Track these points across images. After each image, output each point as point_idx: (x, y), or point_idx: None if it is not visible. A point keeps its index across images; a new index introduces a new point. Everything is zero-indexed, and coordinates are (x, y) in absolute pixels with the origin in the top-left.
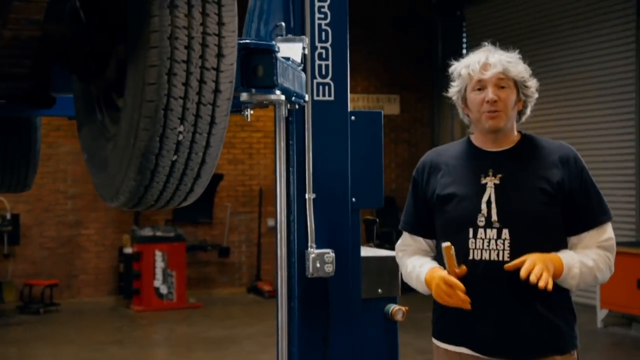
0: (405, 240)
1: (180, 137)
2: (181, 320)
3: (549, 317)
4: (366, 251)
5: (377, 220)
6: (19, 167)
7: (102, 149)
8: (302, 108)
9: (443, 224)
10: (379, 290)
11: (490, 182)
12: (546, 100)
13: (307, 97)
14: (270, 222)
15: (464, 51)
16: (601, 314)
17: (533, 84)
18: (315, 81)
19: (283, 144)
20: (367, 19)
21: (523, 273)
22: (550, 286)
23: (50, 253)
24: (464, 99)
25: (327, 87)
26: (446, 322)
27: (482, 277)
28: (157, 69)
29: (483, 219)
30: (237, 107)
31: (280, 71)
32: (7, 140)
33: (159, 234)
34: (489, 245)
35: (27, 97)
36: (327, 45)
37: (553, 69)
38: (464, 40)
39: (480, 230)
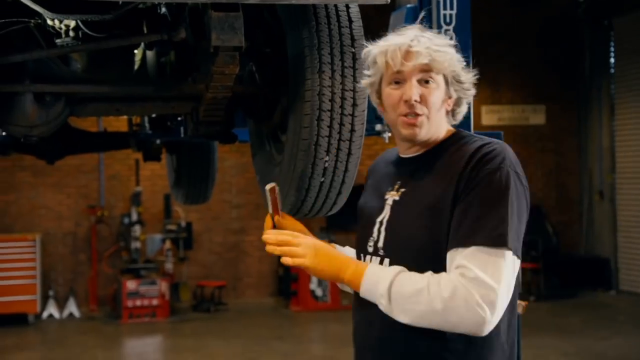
0: None
1: (326, 164)
2: (335, 320)
3: None
4: None
5: None
6: (201, 183)
7: (271, 172)
8: None
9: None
10: None
11: (390, 198)
12: None
13: None
14: None
15: (612, 60)
16: None
17: (468, 78)
18: None
19: None
20: (512, 31)
21: (269, 238)
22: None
23: (218, 257)
24: (379, 93)
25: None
26: None
27: (360, 314)
28: (309, 116)
29: (372, 244)
30: (377, 132)
31: None
32: (193, 162)
33: None
34: None
35: (218, 136)
36: None
37: None
38: (612, 49)
39: (368, 258)
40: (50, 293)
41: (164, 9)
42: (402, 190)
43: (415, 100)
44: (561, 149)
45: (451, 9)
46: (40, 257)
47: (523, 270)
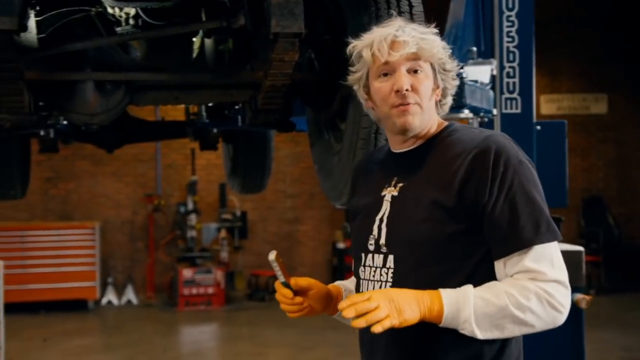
0: None
1: None
2: None
3: None
4: None
5: (562, 218)
6: (257, 173)
7: (329, 161)
8: (491, 120)
9: (352, 248)
10: None
11: (388, 195)
12: None
13: (495, 112)
14: None
15: None
16: None
17: (453, 67)
18: (503, 96)
19: None
20: (572, 19)
21: (349, 313)
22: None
23: (272, 247)
24: (367, 88)
25: (514, 102)
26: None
27: None
28: None
29: (373, 241)
30: None
31: (468, 94)
32: (249, 151)
33: None
34: (374, 275)
35: (276, 124)
36: (515, 64)
37: None
38: None
39: (370, 256)
40: (109, 280)
41: None
42: (400, 185)
43: (407, 90)
44: (623, 138)
45: None
46: (100, 245)
47: None
